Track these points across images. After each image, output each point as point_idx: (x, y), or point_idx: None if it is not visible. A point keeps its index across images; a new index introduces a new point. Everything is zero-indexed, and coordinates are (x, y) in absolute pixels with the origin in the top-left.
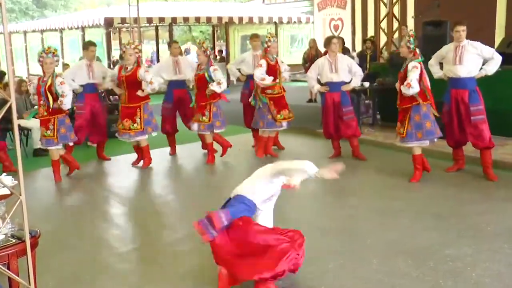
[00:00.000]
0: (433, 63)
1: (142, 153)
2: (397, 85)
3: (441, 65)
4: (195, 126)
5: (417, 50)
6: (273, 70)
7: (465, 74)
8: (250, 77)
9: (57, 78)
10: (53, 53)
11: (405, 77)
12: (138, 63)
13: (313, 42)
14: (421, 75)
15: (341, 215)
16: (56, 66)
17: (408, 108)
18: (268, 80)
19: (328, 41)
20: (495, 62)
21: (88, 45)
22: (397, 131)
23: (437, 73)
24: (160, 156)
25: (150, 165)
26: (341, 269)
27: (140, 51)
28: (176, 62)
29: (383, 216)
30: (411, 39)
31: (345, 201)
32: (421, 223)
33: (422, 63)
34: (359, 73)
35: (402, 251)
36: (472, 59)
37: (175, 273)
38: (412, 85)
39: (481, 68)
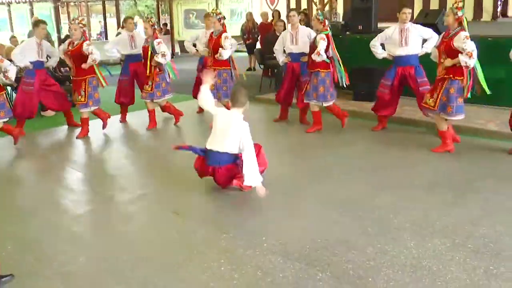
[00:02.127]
0: (376, 44)
1: (81, 123)
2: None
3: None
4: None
5: (326, 22)
6: (216, 43)
7: (410, 53)
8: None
9: None
10: None
11: (314, 47)
12: (85, 38)
13: (250, 15)
14: (328, 45)
15: (279, 173)
16: None
17: (311, 72)
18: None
19: (287, 15)
20: (433, 41)
21: (38, 23)
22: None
23: (381, 53)
24: (112, 123)
25: (102, 132)
26: (281, 221)
27: (85, 25)
28: (132, 37)
29: (318, 170)
30: (320, 12)
31: (285, 158)
32: (350, 176)
33: (329, 34)
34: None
35: (335, 202)
36: (416, 40)
37: (127, 231)
38: (320, 53)
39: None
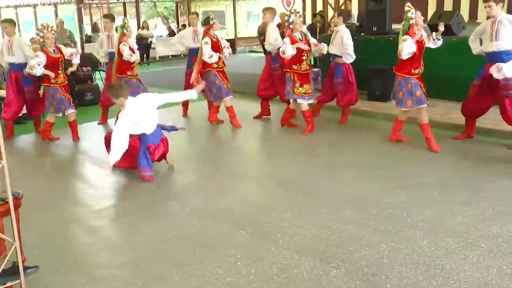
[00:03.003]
0: (472, 38)
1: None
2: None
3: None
4: None
5: None
6: (216, 46)
7: (502, 49)
8: (192, 52)
9: None
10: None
11: None
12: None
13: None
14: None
15: (295, 170)
16: None
17: None
18: (215, 57)
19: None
20: None
21: (2, 22)
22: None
23: (476, 48)
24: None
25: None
26: (296, 218)
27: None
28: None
29: (331, 170)
30: None
31: (297, 157)
32: (363, 175)
33: None
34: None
35: (348, 201)
36: (509, 34)
37: (145, 226)
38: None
39: None
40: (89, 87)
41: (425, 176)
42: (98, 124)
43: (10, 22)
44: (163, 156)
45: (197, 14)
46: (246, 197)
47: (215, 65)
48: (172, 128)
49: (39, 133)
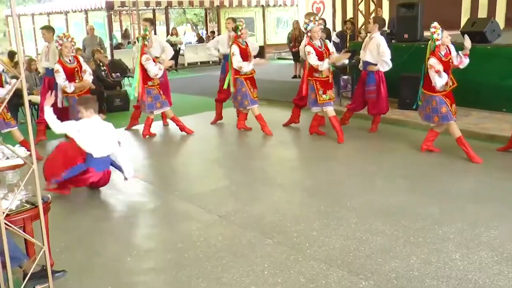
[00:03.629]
0: None
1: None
2: None
3: None
4: None
5: None
6: (245, 53)
7: None
8: (226, 58)
9: None
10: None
11: None
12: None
13: (296, 24)
14: None
15: (324, 179)
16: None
17: None
18: (247, 68)
19: None
20: None
21: (41, 29)
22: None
23: None
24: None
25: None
26: (325, 228)
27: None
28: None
29: (360, 179)
30: None
31: (327, 166)
32: (393, 185)
33: None
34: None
35: (377, 211)
36: None
37: (173, 233)
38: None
39: None
40: (118, 93)
41: (458, 187)
42: (125, 130)
43: (48, 28)
44: (95, 185)
45: (233, 19)
46: (274, 205)
47: (242, 72)
48: (120, 169)
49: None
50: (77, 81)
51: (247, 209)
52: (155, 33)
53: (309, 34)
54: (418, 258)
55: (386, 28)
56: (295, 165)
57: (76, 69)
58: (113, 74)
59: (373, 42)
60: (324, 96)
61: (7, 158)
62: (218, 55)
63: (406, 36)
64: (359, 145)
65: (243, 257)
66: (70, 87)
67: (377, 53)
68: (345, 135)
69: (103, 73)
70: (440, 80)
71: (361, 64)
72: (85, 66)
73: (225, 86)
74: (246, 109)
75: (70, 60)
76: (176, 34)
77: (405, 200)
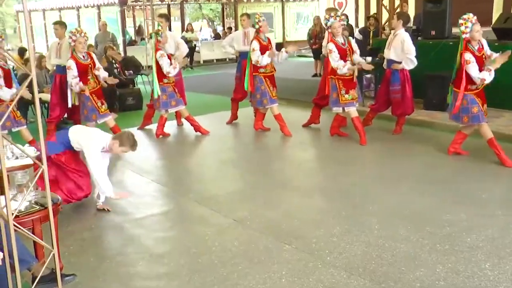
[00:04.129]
0: None
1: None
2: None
3: None
4: None
5: None
6: (265, 50)
7: None
8: (242, 56)
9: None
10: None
11: None
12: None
13: (317, 20)
14: None
15: (344, 182)
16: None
17: None
18: (264, 60)
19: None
20: None
21: (53, 24)
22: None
23: None
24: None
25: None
26: (345, 234)
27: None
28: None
29: (383, 183)
30: None
31: (348, 169)
32: (418, 189)
33: None
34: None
35: (401, 217)
36: None
37: (187, 238)
38: None
39: None
40: (131, 92)
41: (487, 192)
42: (138, 129)
43: (61, 24)
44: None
45: (247, 15)
46: (292, 209)
47: (262, 70)
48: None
49: None
50: (89, 77)
51: (264, 213)
52: (169, 29)
53: (329, 30)
54: (445, 267)
55: (411, 24)
56: (314, 168)
57: (90, 66)
58: (126, 71)
59: (397, 39)
60: (346, 95)
61: (17, 157)
62: (234, 52)
63: (433, 32)
64: (382, 147)
65: (259, 264)
66: (76, 87)
67: (402, 50)
68: (367, 136)
69: (115, 70)
70: (481, 74)
71: (385, 62)
72: (98, 64)
73: (246, 87)
74: (265, 108)
75: (83, 57)
76: (192, 30)
77: (431, 206)
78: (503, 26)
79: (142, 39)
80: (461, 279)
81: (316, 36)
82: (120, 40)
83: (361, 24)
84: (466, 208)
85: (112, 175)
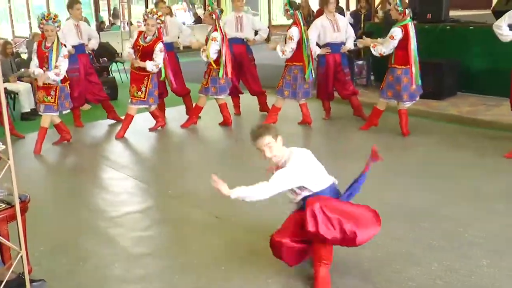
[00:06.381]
0: (502, 24)
1: (124, 120)
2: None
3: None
4: None
5: (407, 11)
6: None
7: None
8: (232, 41)
9: (63, 49)
10: (54, 19)
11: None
12: (159, 35)
13: (305, 2)
14: (406, 38)
15: (339, 177)
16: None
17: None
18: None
19: (326, 1)
20: None
21: (73, 3)
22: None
23: (507, 35)
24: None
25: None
26: None
27: (162, 22)
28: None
29: (378, 177)
30: (398, 1)
31: (340, 163)
32: (415, 184)
33: (410, 23)
34: (352, 34)
35: (397, 213)
36: None
37: (166, 237)
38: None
39: None
40: (105, 80)
41: (490, 186)
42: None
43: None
44: None
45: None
46: (277, 208)
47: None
48: None
49: (77, 126)
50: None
51: (248, 211)
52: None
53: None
54: (441, 265)
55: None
56: None
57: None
58: (99, 59)
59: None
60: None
61: None
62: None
63: (429, 16)
64: (378, 139)
65: (244, 264)
66: (34, 72)
67: None
68: (355, 126)
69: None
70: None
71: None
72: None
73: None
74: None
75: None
76: (170, 14)
77: (427, 201)
78: (504, 8)
79: (113, 24)
80: (458, 277)
81: (304, 20)
82: (93, 25)
83: (352, 6)
84: (465, 203)
85: (86, 170)
